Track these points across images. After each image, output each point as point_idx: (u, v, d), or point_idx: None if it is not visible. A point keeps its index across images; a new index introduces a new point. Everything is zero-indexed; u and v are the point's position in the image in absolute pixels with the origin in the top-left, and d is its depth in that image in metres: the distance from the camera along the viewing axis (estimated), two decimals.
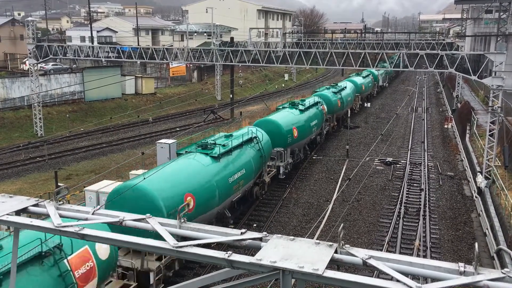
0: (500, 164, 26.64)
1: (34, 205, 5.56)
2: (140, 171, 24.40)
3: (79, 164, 33.30)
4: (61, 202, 5.63)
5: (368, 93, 59.65)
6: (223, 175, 19.83)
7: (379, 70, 63.90)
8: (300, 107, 32.11)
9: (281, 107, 32.46)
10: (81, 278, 12.21)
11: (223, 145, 21.04)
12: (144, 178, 16.22)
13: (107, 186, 22.03)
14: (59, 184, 23.94)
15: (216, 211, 19.43)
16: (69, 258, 11.65)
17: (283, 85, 75.68)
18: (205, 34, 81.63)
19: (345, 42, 74.96)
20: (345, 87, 45.29)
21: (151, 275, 15.50)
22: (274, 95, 66.31)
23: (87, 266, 12.57)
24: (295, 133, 29.04)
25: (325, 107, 37.02)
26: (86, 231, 4.97)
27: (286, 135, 27.96)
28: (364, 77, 57.37)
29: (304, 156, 32.92)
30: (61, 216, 5.29)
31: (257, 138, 23.96)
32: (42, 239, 10.85)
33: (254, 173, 23.27)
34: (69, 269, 11.47)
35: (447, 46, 58.34)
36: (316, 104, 35.05)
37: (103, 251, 13.19)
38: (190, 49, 37.17)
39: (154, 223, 5.05)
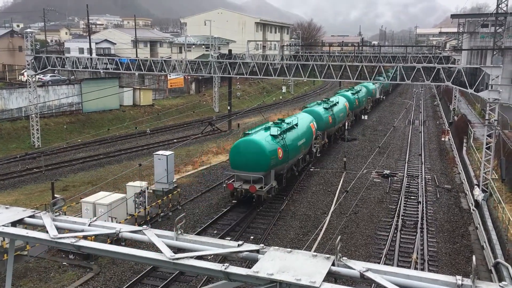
0: (497, 177, 26.67)
1: (30, 217, 5.53)
2: (137, 183, 24.44)
3: (76, 176, 33.20)
4: (57, 214, 5.61)
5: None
6: (335, 113, 40.94)
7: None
8: None
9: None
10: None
11: (332, 101, 42.43)
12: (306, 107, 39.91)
13: (103, 197, 21.99)
14: (55, 195, 23.85)
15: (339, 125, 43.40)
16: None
17: (280, 97, 75.95)
18: (203, 46, 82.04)
19: (343, 55, 75.47)
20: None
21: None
22: (271, 107, 66.47)
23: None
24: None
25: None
26: (82, 243, 4.94)
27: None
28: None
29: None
30: (57, 227, 5.26)
31: (343, 101, 45.27)
32: None
33: (347, 115, 46.06)
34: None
35: (444, 60, 58.76)
36: None
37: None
38: (188, 61, 37.32)
39: (150, 234, 5.03)
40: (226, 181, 27.53)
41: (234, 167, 26.42)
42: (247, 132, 28.36)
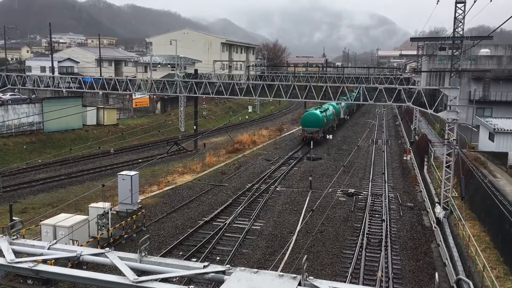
0: (457, 195, 27.44)
1: None
2: (100, 204, 23.86)
3: (35, 197, 32.12)
4: (15, 237, 5.40)
5: None
6: (342, 108, 69.02)
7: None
8: None
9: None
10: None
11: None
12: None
13: (64, 219, 21.36)
14: (13, 218, 22.96)
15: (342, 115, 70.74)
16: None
17: (246, 117, 76.27)
18: (169, 65, 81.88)
19: (307, 75, 76.91)
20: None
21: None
22: (238, 127, 66.64)
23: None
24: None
25: None
26: (41, 267, 4.76)
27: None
28: None
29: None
30: (14, 251, 5.06)
31: (342, 103, 64.06)
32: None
33: (348, 111, 76.52)
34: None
35: (404, 81, 60.66)
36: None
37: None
38: (153, 80, 37.10)
39: (113, 257, 4.89)
40: (300, 133, 53.75)
41: (303, 126, 51.96)
42: (307, 109, 55.72)
